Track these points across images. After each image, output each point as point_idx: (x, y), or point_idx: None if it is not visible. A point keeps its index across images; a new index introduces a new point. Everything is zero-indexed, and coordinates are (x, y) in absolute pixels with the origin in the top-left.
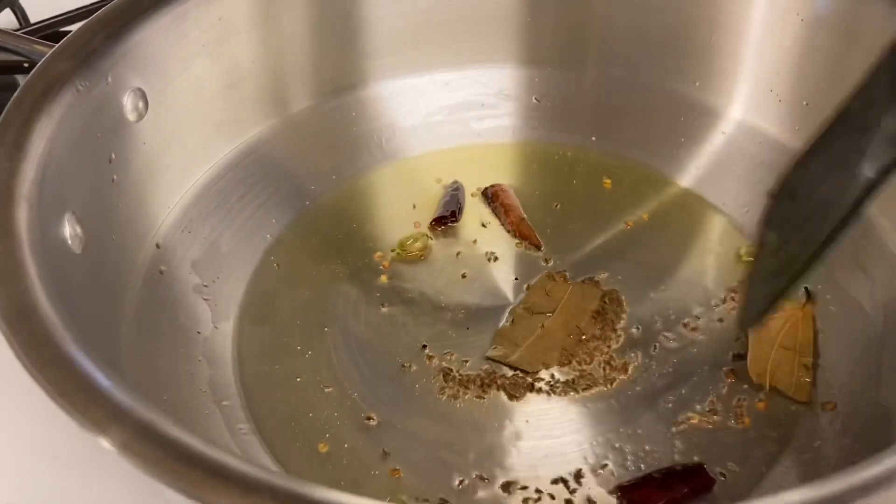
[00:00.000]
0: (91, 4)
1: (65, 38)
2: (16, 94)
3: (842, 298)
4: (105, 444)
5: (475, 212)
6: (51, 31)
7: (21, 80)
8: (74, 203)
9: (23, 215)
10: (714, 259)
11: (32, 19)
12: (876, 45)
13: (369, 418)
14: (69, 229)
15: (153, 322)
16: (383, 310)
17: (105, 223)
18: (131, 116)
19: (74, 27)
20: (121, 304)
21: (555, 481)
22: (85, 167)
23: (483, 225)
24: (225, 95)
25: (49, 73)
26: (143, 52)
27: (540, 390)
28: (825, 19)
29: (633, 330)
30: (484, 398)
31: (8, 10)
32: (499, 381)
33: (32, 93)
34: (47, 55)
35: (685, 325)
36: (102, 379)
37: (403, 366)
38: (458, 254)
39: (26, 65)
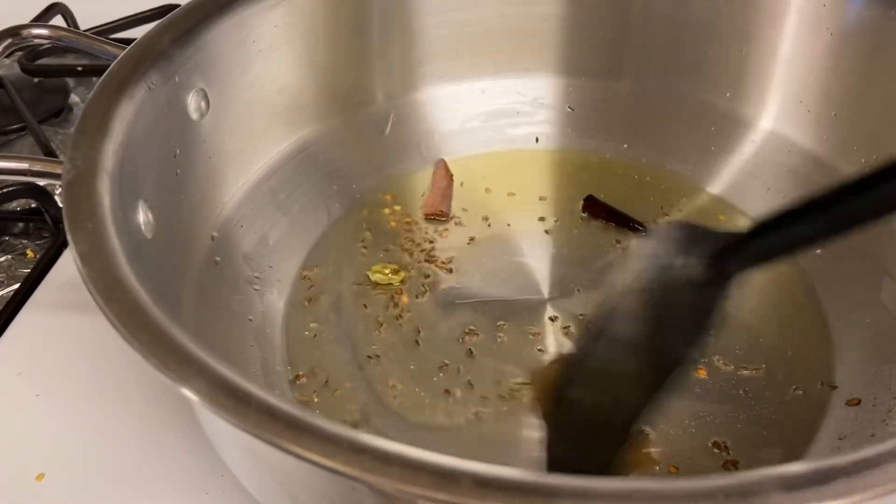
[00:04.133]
0: (138, 14)
1: (136, 41)
2: (95, 90)
3: (864, 300)
4: (197, 400)
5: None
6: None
7: (72, 83)
8: (146, 192)
9: (107, 198)
10: None
11: (83, 27)
12: None
13: (396, 397)
14: (142, 215)
15: (209, 309)
16: (422, 301)
17: (169, 213)
18: (194, 115)
19: (123, 34)
20: (180, 291)
21: None
22: (154, 159)
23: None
24: (276, 99)
25: (124, 71)
26: (207, 55)
27: None
28: (854, 34)
29: None
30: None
31: (59, 17)
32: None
33: (109, 89)
34: (121, 55)
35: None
36: (189, 343)
37: (444, 365)
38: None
39: (80, 68)
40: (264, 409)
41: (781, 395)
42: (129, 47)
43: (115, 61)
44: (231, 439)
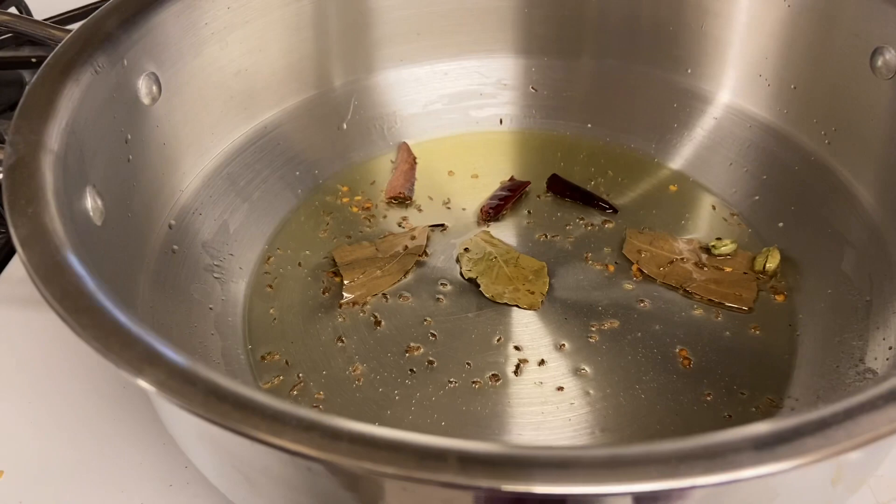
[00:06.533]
0: (92, 4)
1: (82, 23)
2: (38, 73)
3: (826, 271)
4: (143, 384)
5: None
6: None
7: (28, 75)
8: (95, 177)
9: (49, 183)
10: (702, 235)
11: (37, 17)
12: (856, 28)
13: (358, 380)
14: (90, 201)
15: (167, 298)
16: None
17: (122, 200)
18: (146, 100)
19: (77, 25)
20: (136, 280)
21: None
22: (103, 145)
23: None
24: (233, 83)
25: (69, 53)
26: (157, 37)
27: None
28: (810, 5)
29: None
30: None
31: (13, 8)
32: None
33: (54, 72)
34: (66, 37)
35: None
36: (134, 326)
37: (408, 347)
38: (443, 229)
39: (34, 60)
40: (211, 390)
41: (746, 363)
42: (74, 30)
43: (60, 44)
44: (185, 425)
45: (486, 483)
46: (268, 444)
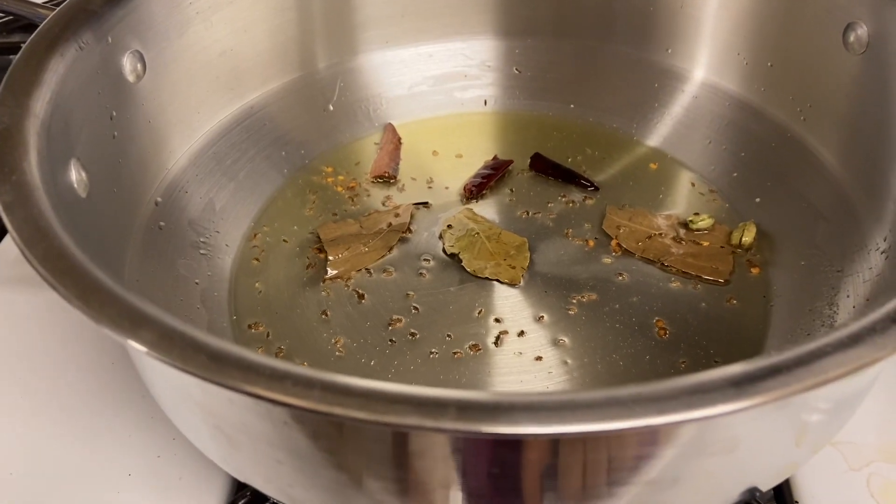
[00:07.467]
0: None
1: (67, 1)
2: (23, 48)
3: (800, 244)
4: (123, 340)
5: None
6: None
7: None
8: (79, 151)
9: (34, 153)
10: (681, 211)
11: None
12: (828, 4)
13: (340, 350)
14: (75, 174)
15: (153, 272)
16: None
17: (107, 175)
18: (130, 77)
19: None
20: (122, 254)
21: None
22: (88, 120)
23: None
24: (218, 63)
25: (54, 30)
26: (141, 16)
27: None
28: None
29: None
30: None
31: None
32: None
33: (39, 47)
34: (51, 15)
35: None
36: (114, 286)
37: (392, 320)
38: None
39: (23, 45)
40: (189, 344)
41: (721, 332)
42: (59, 7)
43: (45, 21)
44: (168, 386)
45: (467, 427)
46: (243, 392)
